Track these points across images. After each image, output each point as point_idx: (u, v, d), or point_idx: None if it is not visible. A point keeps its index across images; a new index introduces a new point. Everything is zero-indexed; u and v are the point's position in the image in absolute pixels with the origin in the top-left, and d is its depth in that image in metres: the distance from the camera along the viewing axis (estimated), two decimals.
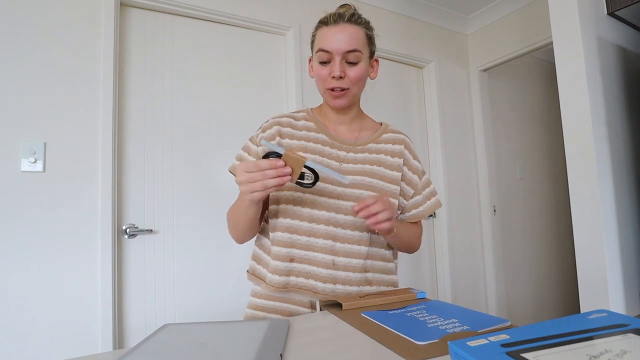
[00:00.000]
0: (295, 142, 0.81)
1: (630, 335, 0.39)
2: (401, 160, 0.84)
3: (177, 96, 1.61)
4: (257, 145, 0.81)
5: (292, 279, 0.76)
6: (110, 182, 1.37)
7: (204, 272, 1.58)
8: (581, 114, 1.45)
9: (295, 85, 1.83)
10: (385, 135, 0.87)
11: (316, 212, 0.76)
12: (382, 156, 0.83)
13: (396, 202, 0.82)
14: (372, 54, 0.82)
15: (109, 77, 1.41)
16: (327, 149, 0.81)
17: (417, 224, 0.89)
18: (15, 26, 1.28)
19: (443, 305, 0.63)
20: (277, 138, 0.80)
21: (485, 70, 2.57)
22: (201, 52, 1.68)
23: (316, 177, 0.69)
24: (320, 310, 0.70)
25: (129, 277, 1.44)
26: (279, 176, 0.61)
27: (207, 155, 1.64)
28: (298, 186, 0.72)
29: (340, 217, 0.77)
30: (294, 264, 0.76)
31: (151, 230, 1.49)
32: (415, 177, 0.86)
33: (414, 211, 0.86)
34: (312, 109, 0.89)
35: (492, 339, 0.40)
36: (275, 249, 0.77)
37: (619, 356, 0.34)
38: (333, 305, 0.69)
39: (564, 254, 2.99)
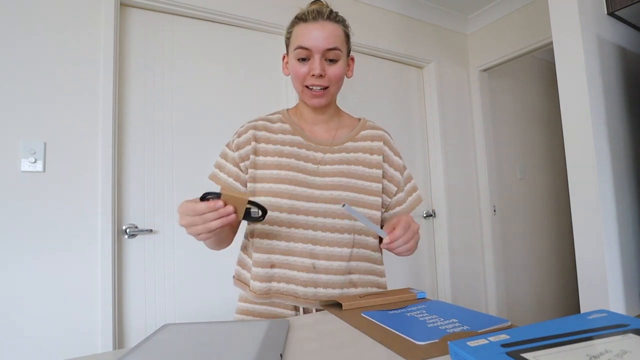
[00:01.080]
0: (271, 146, 0.79)
1: (630, 335, 0.39)
2: (380, 157, 0.83)
3: (177, 96, 1.61)
4: (234, 151, 0.80)
5: (274, 284, 0.75)
6: (110, 182, 1.37)
7: (204, 272, 1.58)
8: (581, 114, 1.45)
9: None
10: (363, 132, 0.85)
11: (294, 217, 0.75)
12: (360, 154, 0.81)
13: (379, 199, 0.80)
14: (349, 52, 0.80)
15: (109, 77, 1.41)
16: (303, 151, 0.79)
17: None
18: (14, 26, 1.28)
19: (443, 305, 0.63)
20: (253, 143, 0.79)
21: (485, 70, 2.57)
22: (201, 52, 1.68)
23: (264, 211, 0.65)
24: (320, 310, 0.70)
25: (129, 277, 1.44)
26: (220, 217, 0.58)
27: (207, 155, 1.64)
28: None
29: (319, 220, 0.75)
30: (275, 270, 0.75)
31: (151, 230, 1.49)
32: (397, 174, 0.85)
33: (397, 208, 0.85)
34: (288, 109, 0.87)
35: (492, 339, 0.40)
36: (255, 255, 0.76)
37: (619, 356, 0.34)
38: (333, 305, 0.69)
39: (564, 254, 2.99)
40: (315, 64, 0.73)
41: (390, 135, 0.88)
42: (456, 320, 0.54)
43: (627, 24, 1.72)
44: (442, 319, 0.55)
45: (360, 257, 0.79)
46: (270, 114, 0.86)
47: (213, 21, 1.72)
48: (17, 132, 1.26)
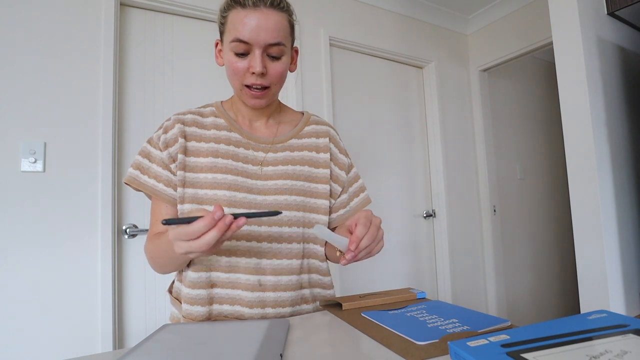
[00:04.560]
0: (203, 144, 0.69)
1: (630, 335, 0.39)
2: (328, 156, 0.75)
3: (177, 96, 1.61)
4: (161, 150, 0.68)
5: (215, 307, 0.66)
6: (110, 182, 1.37)
7: None
8: (581, 114, 1.45)
9: (295, 85, 1.83)
10: (307, 128, 0.77)
11: None
12: (306, 153, 0.74)
13: (327, 202, 0.73)
14: (292, 43, 0.71)
15: (109, 77, 1.41)
16: (241, 150, 0.69)
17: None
18: (15, 26, 1.28)
19: (443, 305, 0.63)
20: (181, 140, 0.68)
21: (485, 70, 2.57)
22: (201, 52, 1.68)
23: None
24: (320, 310, 0.70)
25: (129, 277, 1.44)
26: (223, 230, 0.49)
27: None
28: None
29: (264, 229, 0.67)
30: (216, 290, 0.66)
31: None
32: (342, 174, 0.78)
33: (341, 211, 0.78)
34: (222, 102, 0.77)
35: (492, 339, 0.40)
36: (191, 275, 0.66)
37: (619, 357, 0.34)
38: (333, 305, 0.69)
39: (564, 254, 2.99)
40: (256, 61, 0.62)
41: (336, 131, 0.82)
42: (456, 320, 0.54)
43: (627, 24, 1.71)
44: (442, 319, 0.55)
45: (311, 269, 0.72)
46: (202, 107, 0.75)
47: (213, 21, 1.72)
48: (17, 132, 1.26)
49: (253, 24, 0.61)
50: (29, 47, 1.30)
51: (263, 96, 0.67)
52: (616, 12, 1.59)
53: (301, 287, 0.70)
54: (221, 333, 0.51)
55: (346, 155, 0.80)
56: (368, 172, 2.10)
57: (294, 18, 0.69)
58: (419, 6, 2.34)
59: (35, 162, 1.27)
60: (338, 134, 0.81)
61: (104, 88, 1.40)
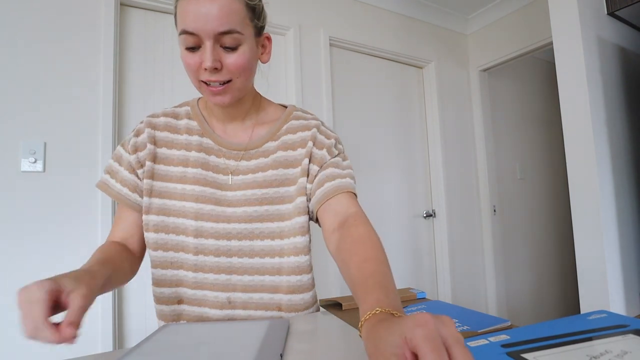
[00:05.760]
0: (175, 151, 0.65)
1: (630, 335, 0.39)
2: (304, 150, 0.65)
3: (177, 96, 1.60)
4: (130, 153, 0.64)
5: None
6: None
7: None
8: (581, 114, 1.45)
9: (295, 85, 1.83)
10: (286, 126, 0.68)
11: (202, 241, 0.62)
12: (279, 153, 0.66)
13: (302, 199, 0.64)
14: (259, 30, 0.61)
15: (109, 77, 1.41)
16: (212, 158, 0.65)
17: (368, 227, 0.55)
18: (15, 26, 1.28)
19: (443, 305, 0.63)
20: (150, 146, 0.64)
21: (485, 70, 2.57)
22: None
23: None
24: (321, 310, 0.70)
25: None
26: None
27: None
28: (177, 204, 0.62)
29: (233, 243, 0.62)
30: (183, 307, 0.63)
31: None
32: (323, 153, 0.65)
33: (338, 180, 0.62)
34: (199, 99, 0.70)
35: (492, 339, 0.40)
36: (157, 290, 0.64)
37: (619, 357, 0.34)
38: (333, 305, 0.69)
39: (564, 254, 2.99)
40: (206, 54, 0.54)
41: (322, 123, 0.70)
42: (456, 320, 0.54)
43: (627, 24, 1.72)
44: None
45: (292, 287, 0.63)
46: (178, 106, 0.70)
47: None
48: (17, 132, 1.26)
49: (198, 11, 0.52)
50: (29, 47, 1.30)
51: (225, 92, 0.58)
52: (616, 12, 1.59)
53: (279, 308, 0.63)
54: (221, 333, 0.51)
55: (335, 140, 0.68)
56: (368, 172, 2.10)
57: (257, 1, 0.59)
58: (419, 6, 2.34)
59: (35, 162, 1.27)
60: (326, 127, 0.70)
61: (104, 88, 1.40)
